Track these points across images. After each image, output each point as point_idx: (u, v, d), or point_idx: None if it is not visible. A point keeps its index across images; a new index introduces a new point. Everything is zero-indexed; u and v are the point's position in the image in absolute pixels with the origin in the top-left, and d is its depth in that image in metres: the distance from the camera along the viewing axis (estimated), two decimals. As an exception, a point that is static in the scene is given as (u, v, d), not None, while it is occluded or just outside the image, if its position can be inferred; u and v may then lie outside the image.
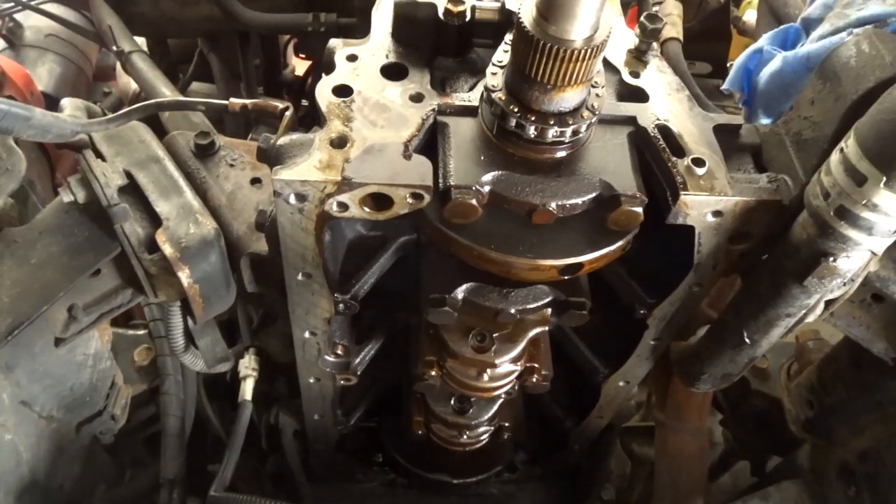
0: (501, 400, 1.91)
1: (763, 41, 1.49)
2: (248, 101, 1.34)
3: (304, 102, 3.02)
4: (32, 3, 2.49)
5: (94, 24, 2.12)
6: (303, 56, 3.15)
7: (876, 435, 1.72)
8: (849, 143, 1.08)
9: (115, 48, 1.93)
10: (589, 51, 1.11)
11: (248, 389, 2.00)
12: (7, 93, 2.15)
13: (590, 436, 2.22)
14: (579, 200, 1.24)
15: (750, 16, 2.77)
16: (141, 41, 2.73)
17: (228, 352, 1.95)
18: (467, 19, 1.38)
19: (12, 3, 2.64)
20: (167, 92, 1.76)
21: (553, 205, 1.23)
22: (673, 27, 2.19)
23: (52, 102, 2.52)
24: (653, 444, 2.43)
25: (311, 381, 1.82)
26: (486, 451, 2.15)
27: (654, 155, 1.30)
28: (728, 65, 2.88)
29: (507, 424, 2.05)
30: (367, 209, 1.22)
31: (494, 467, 2.31)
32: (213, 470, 2.12)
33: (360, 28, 2.20)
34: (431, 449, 2.11)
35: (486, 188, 1.22)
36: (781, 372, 2.18)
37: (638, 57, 1.47)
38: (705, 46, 2.86)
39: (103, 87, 3.21)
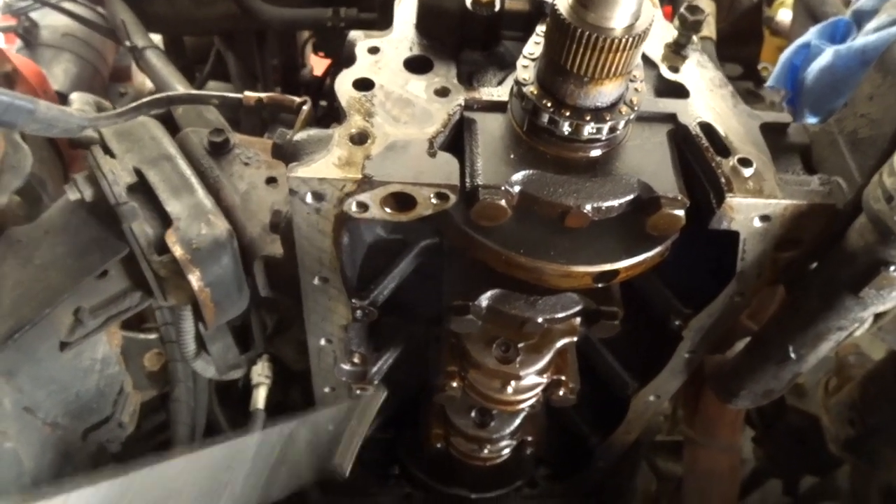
0: (524, 413, 1.82)
1: (810, 35, 1.41)
2: (263, 95, 1.27)
3: (323, 103, 2.96)
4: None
5: (107, 19, 2.07)
6: (321, 54, 3.09)
7: (926, 458, 1.62)
8: (916, 142, 0.99)
9: (128, 44, 1.87)
10: (630, 40, 1.02)
11: (260, 398, 1.92)
12: (19, 91, 2.10)
13: (616, 452, 2.12)
14: (616, 203, 1.16)
15: (783, 15, 2.68)
16: (157, 39, 2.68)
17: (241, 358, 1.89)
18: (496, 10, 1.30)
19: (29, 1, 2.60)
20: (181, 88, 1.70)
21: (588, 207, 1.14)
22: (706, 26, 2.09)
23: (66, 102, 2.47)
24: (679, 460, 2.34)
25: (327, 390, 1.75)
26: (507, 465, 2.06)
27: (697, 154, 1.22)
28: (760, 66, 2.79)
29: (529, 439, 1.97)
30: (388, 210, 1.14)
31: (514, 482, 2.22)
32: (225, 480, 2.06)
33: (381, 23, 2.13)
34: (450, 462, 2.03)
35: (516, 188, 1.14)
36: (819, 387, 2.07)
37: (677, 51, 1.38)
38: (736, 48, 2.75)
39: (119, 87, 3.16)
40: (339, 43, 1.45)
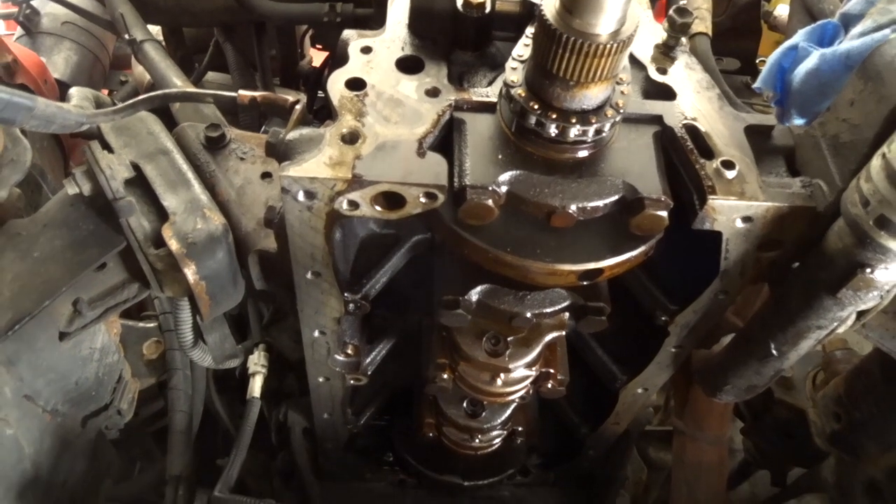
0: (515, 404, 1.86)
1: (798, 37, 1.42)
2: (257, 94, 1.29)
3: (321, 94, 2.97)
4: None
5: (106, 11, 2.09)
6: (319, 47, 3.10)
7: (907, 452, 1.65)
8: (892, 148, 1.01)
9: (126, 36, 1.89)
10: (615, 45, 1.04)
11: (256, 387, 1.96)
12: (20, 81, 2.12)
13: (606, 441, 2.16)
14: (601, 203, 1.18)
15: (781, 10, 2.67)
16: (156, 30, 2.70)
17: (237, 348, 1.92)
18: (487, 11, 1.32)
19: (29, -10, 2.62)
20: (178, 82, 1.72)
21: (573, 207, 1.17)
22: (702, 21, 2.11)
23: (66, 90, 2.49)
24: (670, 450, 2.38)
25: (321, 380, 1.78)
26: (499, 453, 2.10)
27: (681, 156, 1.24)
28: (758, 61, 2.80)
29: (520, 429, 2.00)
30: (378, 208, 1.17)
31: (506, 470, 2.26)
32: (223, 464, 2.09)
33: (377, 19, 2.15)
34: (443, 450, 2.07)
35: (503, 188, 1.17)
36: (806, 381, 2.10)
37: (665, 53, 1.40)
38: (734, 42, 2.77)
39: (120, 75, 3.18)
40: (337, 36, 1.47)
